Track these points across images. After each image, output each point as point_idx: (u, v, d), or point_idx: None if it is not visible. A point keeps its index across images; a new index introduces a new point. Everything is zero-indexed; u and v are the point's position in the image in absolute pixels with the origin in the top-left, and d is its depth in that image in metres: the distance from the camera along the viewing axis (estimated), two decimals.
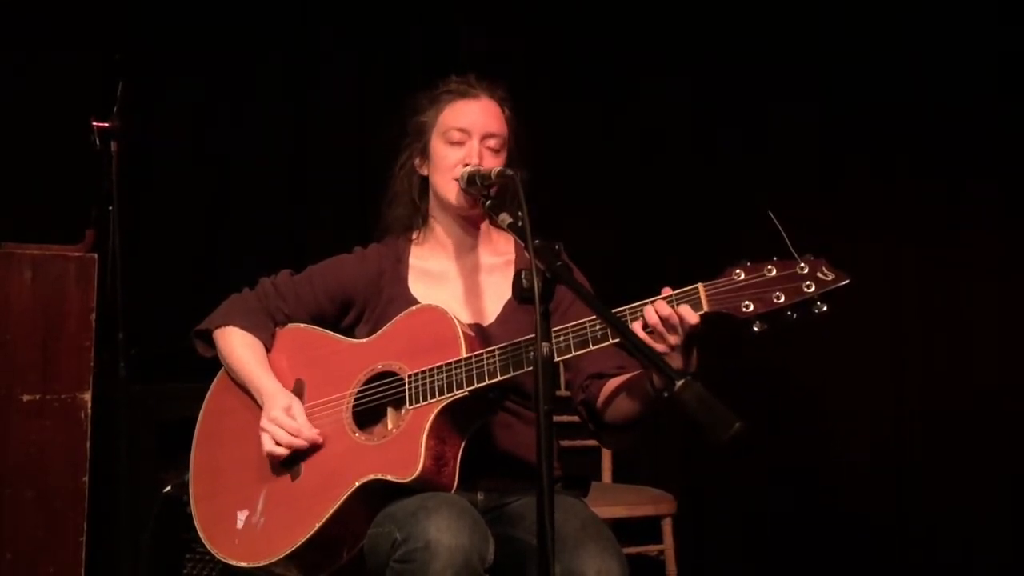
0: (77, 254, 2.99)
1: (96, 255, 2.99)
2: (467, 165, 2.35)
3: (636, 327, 2.04)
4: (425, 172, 2.47)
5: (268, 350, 2.47)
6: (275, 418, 2.32)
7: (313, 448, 2.30)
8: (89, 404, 2.95)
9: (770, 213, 1.96)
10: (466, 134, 2.39)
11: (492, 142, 2.39)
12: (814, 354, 3.98)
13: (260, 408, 2.37)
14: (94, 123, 2.84)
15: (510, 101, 2.46)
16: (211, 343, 2.51)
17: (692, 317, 2.02)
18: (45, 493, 2.92)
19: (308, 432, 2.30)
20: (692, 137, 4.18)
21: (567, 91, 4.15)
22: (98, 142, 2.85)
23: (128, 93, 2.85)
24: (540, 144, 2.52)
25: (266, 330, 2.47)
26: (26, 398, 2.92)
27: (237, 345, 2.45)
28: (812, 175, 4.10)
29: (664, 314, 2.03)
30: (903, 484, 4.02)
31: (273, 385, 2.38)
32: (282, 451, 2.30)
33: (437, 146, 2.42)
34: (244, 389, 2.43)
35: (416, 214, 2.50)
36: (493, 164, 2.36)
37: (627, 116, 4.20)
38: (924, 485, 3.99)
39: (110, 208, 2.87)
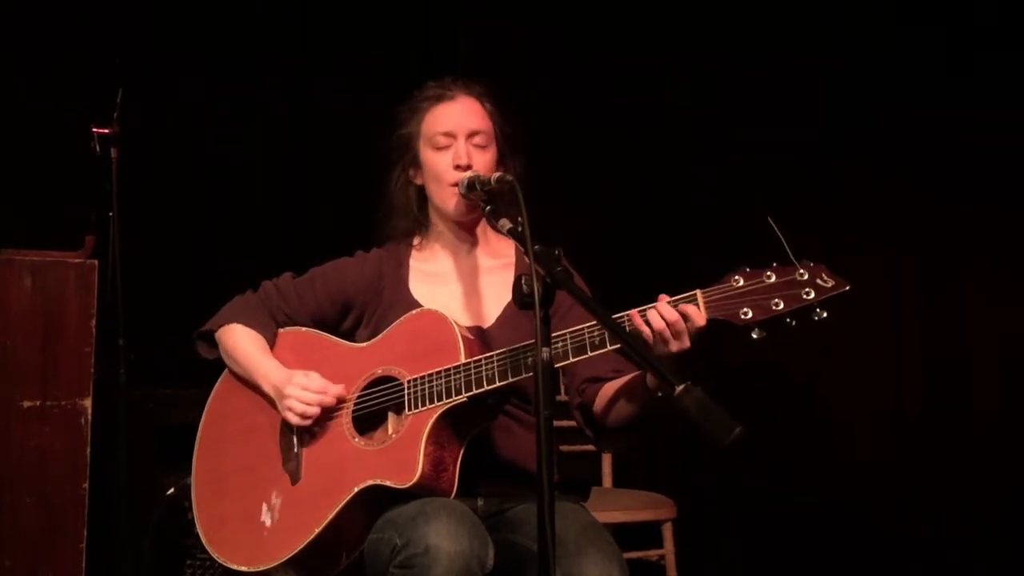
0: (77, 260, 2.99)
1: (96, 261, 2.98)
2: (458, 167, 2.35)
3: (638, 323, 2.03)
4: (420, 182, 2.47)
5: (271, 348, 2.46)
6: (297, 383, 2.30)
7: (315, 452, 2.30)
8: (89, 410, 2.95)
9: (769, 219, 1.95)
10: (451, 137, 2.38)
11: (478, 139, 2.39)
12: (814, 357, 3.98)
13: (264, 410, 2.37)
14: (94, 129, 2.85)
15: (489, 96, 2.46)
16: (214, 344, 2.50)
17: (700, 319, 2.01)
18: (45, 499, 2.92)
19: (334, 388, 2.29)
20: (692, 139, 4.18)
21: (566, 91, 4.14)
22: (98, 148, 2.85)
23: (128, 99, 2.85)
24: (538, 145, 2.51)
25: (268, 328, 2.46)
26: (26, 404, 2.92)
27: (241, 339, 2.44)
28: (812, 181, 4.11)
29: (671, 319, 2.02)
30: (903, 485, 4.02)
31: (279, 370, 2.36)
32: (314, 411, 2.28)
33: (426, 154, 2.42)
34: (248, 389, 2.42)
35: (417, 224, 2.51)
36: (482, 160, 2.37)
37: (627, 118, 4.20)
38: (924, 486, 3.99)
39: (110, 214, 2.88)
